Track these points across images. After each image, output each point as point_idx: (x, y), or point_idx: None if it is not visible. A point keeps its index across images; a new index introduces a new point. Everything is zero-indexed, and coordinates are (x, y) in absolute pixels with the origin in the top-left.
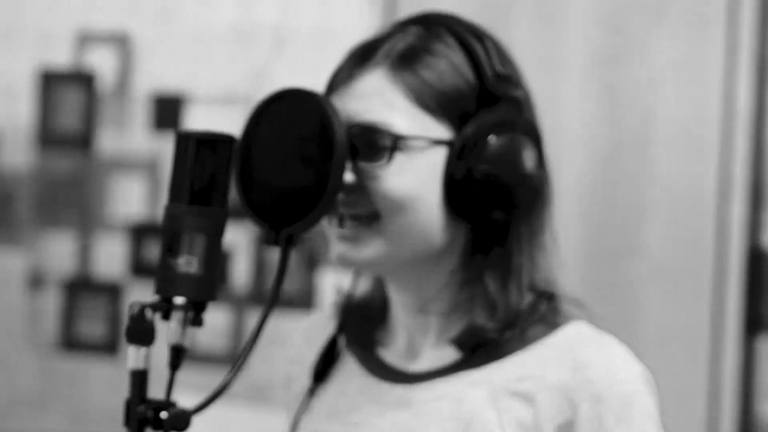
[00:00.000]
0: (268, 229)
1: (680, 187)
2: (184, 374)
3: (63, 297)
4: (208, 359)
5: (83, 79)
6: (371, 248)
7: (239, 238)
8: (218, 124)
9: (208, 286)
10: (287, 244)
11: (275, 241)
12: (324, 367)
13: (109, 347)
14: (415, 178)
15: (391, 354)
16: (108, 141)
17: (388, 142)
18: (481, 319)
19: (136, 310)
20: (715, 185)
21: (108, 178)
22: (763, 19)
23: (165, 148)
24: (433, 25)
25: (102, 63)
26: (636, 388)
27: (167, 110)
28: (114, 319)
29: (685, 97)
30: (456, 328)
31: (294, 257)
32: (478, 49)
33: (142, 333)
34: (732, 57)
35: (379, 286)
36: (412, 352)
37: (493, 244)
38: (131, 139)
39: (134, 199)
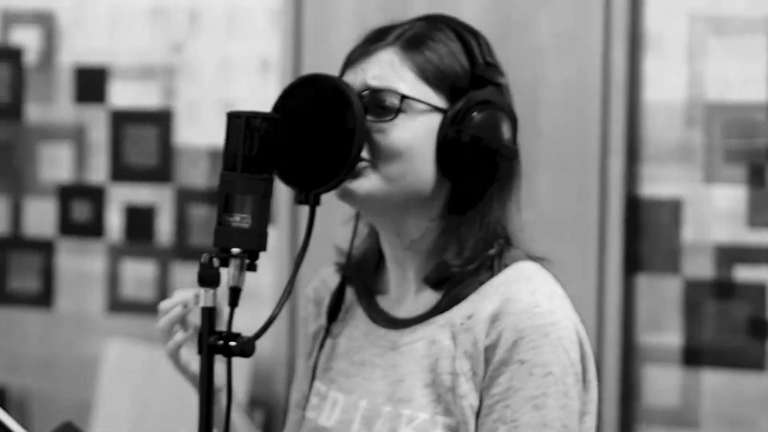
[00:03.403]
0: (298, 191)
1: (566, 144)
2: (116, 321)
3: None
4: (136, 308)
5: (11, 55)
6: (369, 182)
7: (163, 198)
8: (138, 95)
9: (259, 237)
10: (314, 203)
11: (305, 201)
12: (334, 309)
13: (42, 300)
14: (414, 134)
15: (386, 302)
16: (36, 112)
17: (395, 102)
18: (449, 258)
19: (205, 259)
20: (596, 142)
21: (37, 145)
22: None
23: (89, 117)
24: (436, 21)
25: (28, 40)
26: (552, 321)
27: (90, 83)
28: (47, 274)
29: (568, 65)
30: (430, 268)
31: None
32: (472, 42)
33: (210, 277)
34: (608, 29)
35: (373, 241)
36: (400, 299)
37: (469, 204)
38: (58, 109)
39: (62, 164)
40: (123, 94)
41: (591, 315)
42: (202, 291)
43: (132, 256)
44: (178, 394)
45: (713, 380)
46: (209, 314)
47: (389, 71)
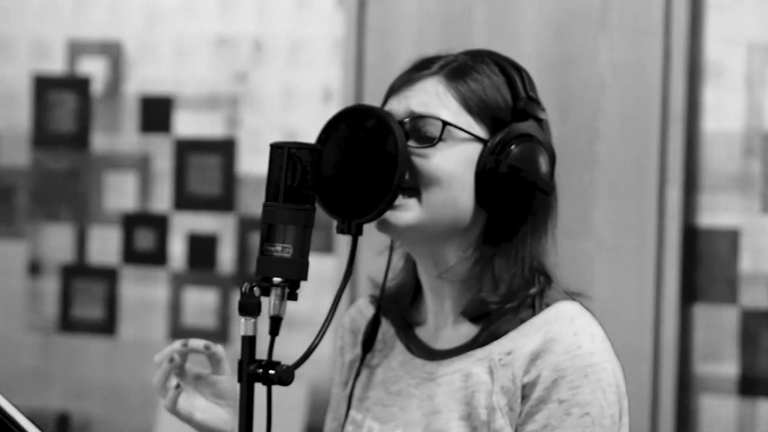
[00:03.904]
0: (340, 220)
1: (624, 174)
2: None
3: (61, 282)
4: (197, 336)
5: (78, 84)
6: (410, 214)
7: (225, 227)
8: (202, 125)
9: (300, 267)
10: (356, 233)
11: (347, 230)
12: (368, 340)
13: (106, 328)
14: (454, 161)
15: (424, 332)
16: (102, 141)
17: (438, 129)
18: (486, 293)
19: (246, 288)
20: (655, 172)
21: (102, 174)
22: (694, 26)
23: (153, 146)
24: (480, 54)
25: (95, 70)
26: (592, 363)
27: (155, 112)
28: (110, 302)
29: (627, 95)
30: (466, 298)
31: None
32: (515, 76)
33: (251, 306)
34: (667, 59)
35: (410, 271)
36: (438, 330)
37: (504, 236)
38: (123, 138)
39: (127, 193)
40: (187, 124)
41: (647, 344)
42: (242, 320)
43: (194, 284)
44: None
45: None
46: (250, 343)
47: (434, 99)
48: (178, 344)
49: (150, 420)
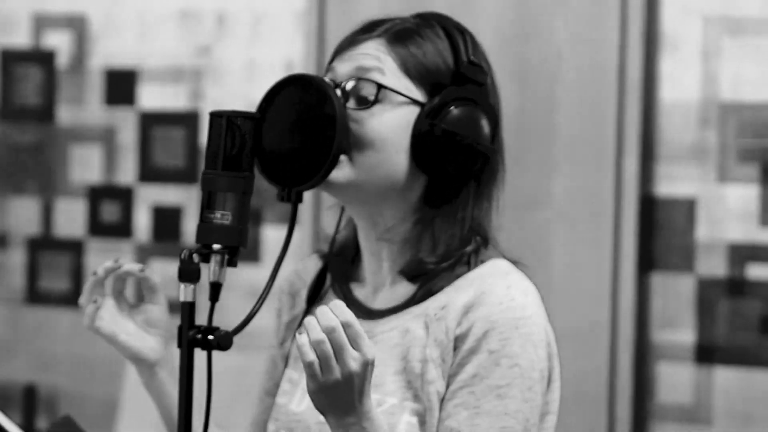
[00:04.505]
0: (280, 188)
1: (582, 144)
2: None
3: (27, 254)
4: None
5: (43, 58)
6: (343, 173)
7: (190, 198)
8: (166, 97)
9: (240, 234)
10: (296, 200)
11: (287, 198)
12: (315, 293)
13: (72, 300)
14: (389, 125)
15: (362, 292)
16: (67, 114)
17: (373, 92)
18: (424, 254)
19: (185, 255)
20: (612, 142)
21: (68, 147)
22: None
23: (118, 119)
24: (428, 18)
25: (60, 43)
26: (523, 316)
27: (120, 85)
28: (76, 274)
29: (585, 66)
30: (404, 259)
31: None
32: (459, 40)
33: (190, 272)
34: (624, 31)
35: (352, 230)
36: (376, 290)
37: (444, 198)
38: (88, 111)
39: (92, 165)
40: (152, 97)
41: (605, 312)
42: (182, 286)
43: (159, 255)
44: (202, 391)
45: (726, 377)
46: (189, 309)
47: (372, 62)
48: (109, 262)
49: (116, 392)
